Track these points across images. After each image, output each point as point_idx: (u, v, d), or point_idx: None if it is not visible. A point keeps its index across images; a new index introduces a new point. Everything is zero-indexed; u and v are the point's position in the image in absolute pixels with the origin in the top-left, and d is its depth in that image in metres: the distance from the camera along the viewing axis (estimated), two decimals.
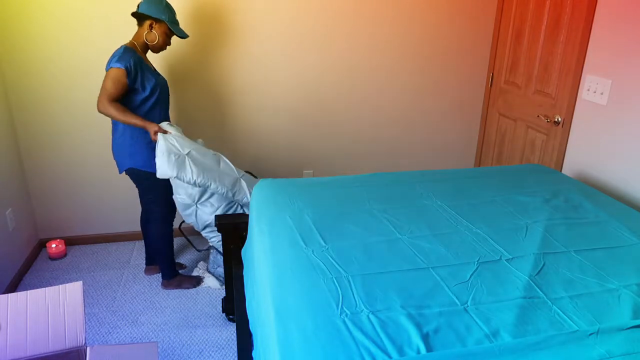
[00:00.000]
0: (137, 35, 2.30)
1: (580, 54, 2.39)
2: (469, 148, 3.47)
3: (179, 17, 2.45)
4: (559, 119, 2.57)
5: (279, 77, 2.97)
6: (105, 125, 2.81)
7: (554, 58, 2.59)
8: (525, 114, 2.88)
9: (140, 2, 2.25)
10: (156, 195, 2.46)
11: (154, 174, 2.31)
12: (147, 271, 2.78)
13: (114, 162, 2.90)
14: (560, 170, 2.59)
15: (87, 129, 2.82)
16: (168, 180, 2.36)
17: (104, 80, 2.18)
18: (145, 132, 2.31)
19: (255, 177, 2.78)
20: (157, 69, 2.48)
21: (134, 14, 2.27)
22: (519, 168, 2.43)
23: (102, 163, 2.90)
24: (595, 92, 2.33)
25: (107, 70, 2.19)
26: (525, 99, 2.87)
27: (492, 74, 3.20)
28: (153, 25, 2.26)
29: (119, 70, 2.16)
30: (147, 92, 2.27)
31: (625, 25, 2.15)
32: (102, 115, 2.76)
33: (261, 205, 1.93)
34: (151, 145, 2.33)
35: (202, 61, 2.84)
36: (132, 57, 2.19)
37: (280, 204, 1.89)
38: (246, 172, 2.66)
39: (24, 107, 2.71)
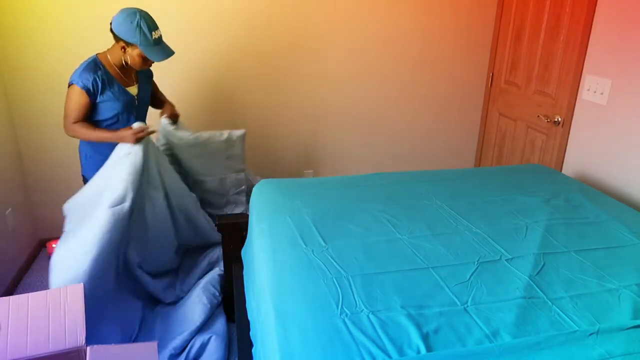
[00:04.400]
0: (113, 49, 2.05)
1: (580, 54, 2.39)
2: (469, 148, 3.47)
3: None
4: (559, 119, 2.57)
5: (281, 78, 2.97)
6: None
7: (554, 58, 2.59)
8: (525, 114, 2.88)
9: (114, 17, 1.98)
10: None
11: None
12: None
13: None
14: (560, 170, 2.59)
15: None
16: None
17: (66, 102, 2.01)
18: (105, 148, 2.12)
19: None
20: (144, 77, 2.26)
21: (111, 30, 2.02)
22: (519, 168, 2.43)
23: None
24: (595, 92, 2.33)
25: (69, 84, 2.01)
26: (525, 99, 2.87)
27: (492, 74, 3.20)
28: (125, 49, 2.00)
29: (79, 93, 1.97)
30: (112, 113, 2.09)
31: (625, 25, 2.15)
32: None
33: (261, 205, 1.93)
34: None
35: (202, 59, 2.84)
36: (94, 75, 1.98)
37: (280, 204, 1.89)
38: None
39: (24, 107, 2.71)
